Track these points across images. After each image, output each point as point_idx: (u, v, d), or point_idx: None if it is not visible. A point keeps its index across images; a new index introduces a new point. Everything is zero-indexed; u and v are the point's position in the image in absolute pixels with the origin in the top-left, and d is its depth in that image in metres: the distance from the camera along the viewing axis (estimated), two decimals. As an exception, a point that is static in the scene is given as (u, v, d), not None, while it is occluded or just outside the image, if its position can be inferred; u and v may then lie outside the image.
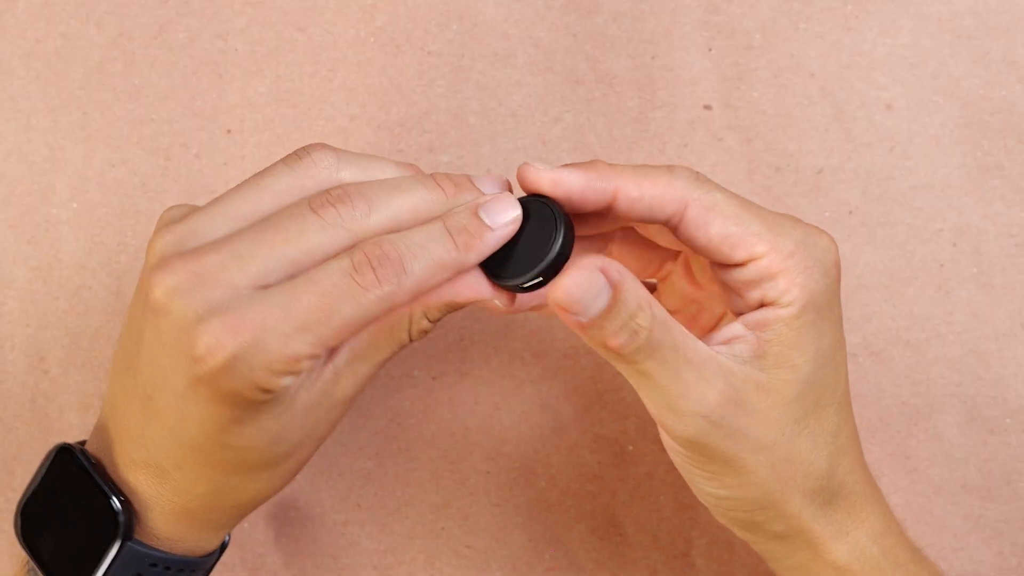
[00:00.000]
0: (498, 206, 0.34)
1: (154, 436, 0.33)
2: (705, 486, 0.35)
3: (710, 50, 0.46)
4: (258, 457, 0.34)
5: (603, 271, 0.32)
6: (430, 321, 0.36)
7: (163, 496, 0.34)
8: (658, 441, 0.46)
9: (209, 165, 0.46)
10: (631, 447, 0.46)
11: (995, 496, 0.46)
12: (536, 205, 0.34)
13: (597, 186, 0.34)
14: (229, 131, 0.46)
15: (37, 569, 0.36)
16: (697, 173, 0.35)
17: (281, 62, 0.46)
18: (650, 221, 0.35)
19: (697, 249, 0.35)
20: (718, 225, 0.34)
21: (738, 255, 0.34)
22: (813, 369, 0.35)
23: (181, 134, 0.46)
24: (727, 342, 0.35)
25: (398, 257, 0.32)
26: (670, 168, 0.35)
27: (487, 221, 0.34)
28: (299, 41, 0.46)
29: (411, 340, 0.36)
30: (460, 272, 0.34)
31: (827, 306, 0.35)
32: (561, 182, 0.34)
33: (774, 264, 0.34)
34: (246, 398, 0.31)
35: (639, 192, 0.34)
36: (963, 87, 0.46)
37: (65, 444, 0.35)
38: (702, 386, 0.33)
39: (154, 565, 0.35)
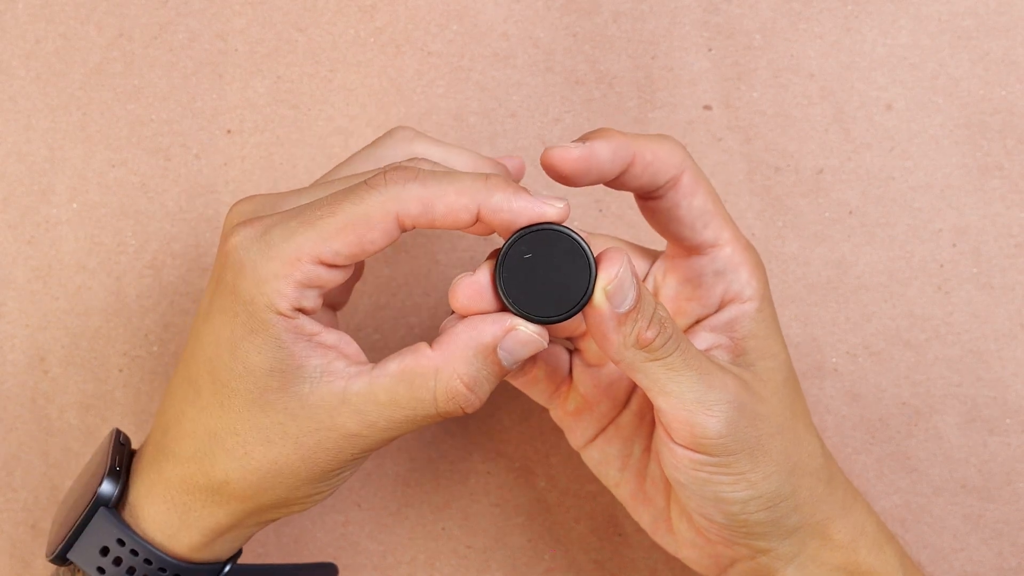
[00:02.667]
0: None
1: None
2: (730, 493, 0.35)
3: (710, 50, 0.46)
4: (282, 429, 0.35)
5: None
6: (464, 385, 0.35)
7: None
8: None
9: (209, 165, 0.46)
10: None
11: (995, 496, 0.47)
12: (544, 233, 0.34)
13: (621, 153, 0.36)
14: (229, 131, 0.46)
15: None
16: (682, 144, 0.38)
17: (281, 62, 0.46)
18: (650, 188, 0.36)
19: (675, 221, 0.37)
20: (701, 198, 0.36)
21: (707, 235, 0.37)
22: (787, 355, 0.38)
23: (181, 134, 0.46)
24: (705, 351, 0.36)
25: (415, 170, 0.33)
26: (665, 136, 0.37)
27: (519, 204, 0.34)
28: (299, 41, 0.46)
29: (438, 407, 0.35)
30: (478, 207, 0.33)
31: (771, 298, 0.38)
32: (594, 154, 0.35)
33: (736, 254, 0.37)
34: (261, 311, 0.33)
35: (652, 156, 0.36)
36: (963, 87, 0.46)
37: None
38: (722, 374, 0.35)
39: (121, 543, 0.36)
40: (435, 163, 0.35)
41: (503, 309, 0.34)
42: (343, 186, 0.34)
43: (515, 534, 0.48)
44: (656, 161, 0.36)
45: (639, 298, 0.33)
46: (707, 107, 0.47)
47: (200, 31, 0.46)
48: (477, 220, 0.33)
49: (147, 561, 0.36)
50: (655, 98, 0.46)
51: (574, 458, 0.48)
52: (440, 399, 0.34)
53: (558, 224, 0.34)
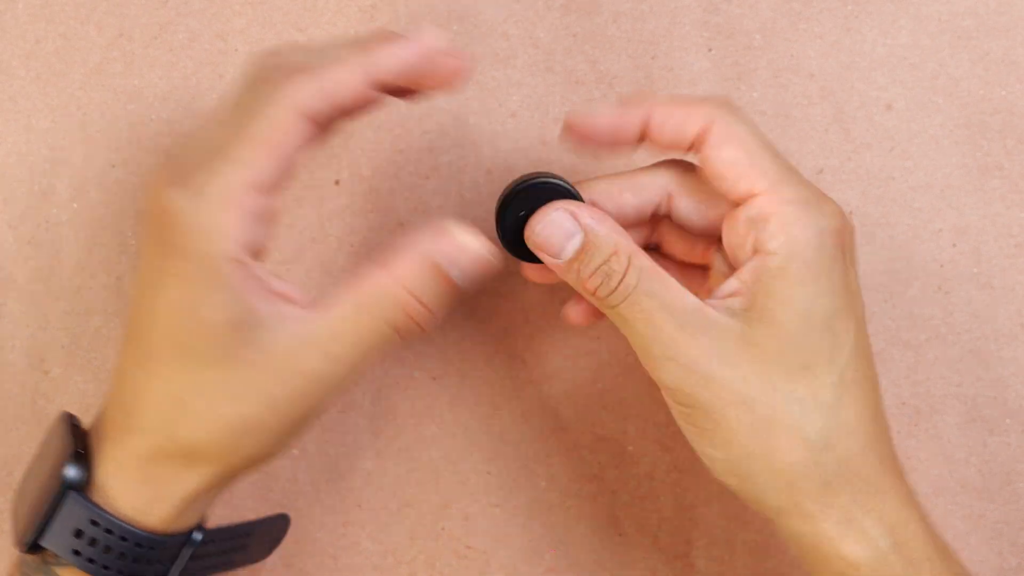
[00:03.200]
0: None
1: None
2: (699, 445, 0.36)
3: (710, 50, 0.46)
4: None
5: (574, 214, 0.36)
6: (420, 304, 0.35)
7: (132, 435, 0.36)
8: (658, 441, 0.46)
9: None
10: (631, 447, 0.47)
11: (995, 497, 0.46)
12: (548, 184, 0.37)
13: (626, 119, 0.37)
14: None
15: (30, 566, 0.37)
16: (732, 103, 0.37)
17: None
18: (680, 145, 0.37)
19: (712, 175, 0.37)
20: (730, 151, 0.36)
21: (740, 187, 0.36)
22: (799, 329, 0.35)
23: (182, 134, 0.46)
24: (725, 297, 0.36)
25: (296, 64, 0.34)
26: (705, 98, 0.38)
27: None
28: (299, 41, 0.46)
29: (399, 329, 0.36)
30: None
31: (822, 268, 0.35)
32: (592, 125, 0.37)
33: (768, 205, 0.35)
34: (215, 262, 0.33)
35: (665, 116, 0.37)
36: (963, 88, 0.46)
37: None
38: (676, 332, 0.35)
39: (95, 523, 0.36)
40: (308, 50, 0.35)
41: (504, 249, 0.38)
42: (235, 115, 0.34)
43: (515, 534, 0.48)
44: (671, 120, 0.37)
45: (583, 249, 0.36)
46: None
47: (200, 31, 0.46)
48: (377, 84, 0.34)
49: (123, 538, 0.36)
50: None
51: (574, 458, 0.48)
52: (399, 321, 0.35)
53: (551, 177, 0.37)
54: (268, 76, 0.34)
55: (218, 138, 0.34)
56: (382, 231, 0.46)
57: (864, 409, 0.36)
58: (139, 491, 0.37)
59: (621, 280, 0.35)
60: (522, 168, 0.46)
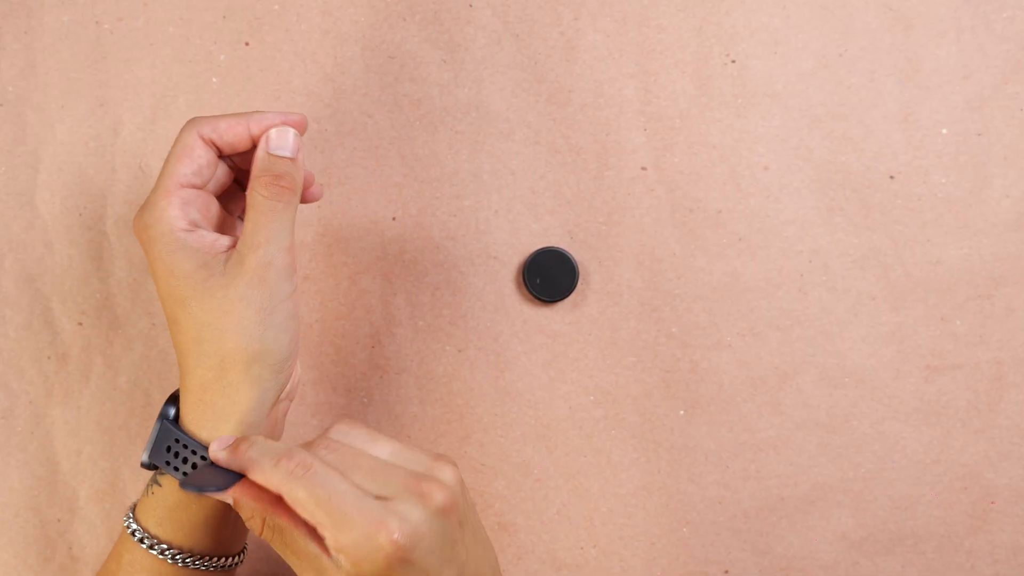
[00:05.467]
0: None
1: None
2: None
3: (645, 130, 0.62)
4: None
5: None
6: (276, 178, 0.47)
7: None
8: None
9: (308, 208, 0.63)
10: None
11: (838, 430, 0.61)
12: (550, 251, 0.54)
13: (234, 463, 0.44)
14: (321, 184, 0.62)
15: (151, 480, 0.49)
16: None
17: (356, 139, 0.63)
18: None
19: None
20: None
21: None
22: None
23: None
24: None
25: (202, 118, 0.49)
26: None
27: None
28: (368, 125, 0.62)
29: (271, 196, 0.47)
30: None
31: None
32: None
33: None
34: (170, 236, 0.46)
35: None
36: (816, 155, 0.62)
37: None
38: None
39: (178, 441, 0.46)
40: (215, 115, 0.48)
41: (530, 295, 0.54)
42: None
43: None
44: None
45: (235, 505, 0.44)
46: (643, 168, 0.62)
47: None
48: (252, 138, 0.48)
49: (194, 452, 0.46)
50: (608, 162, 0.62)
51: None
52: (268, 190, 0.46)
53: (556, 247, 0.52)
54: (191, 122, 0.48)
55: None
56: (424, 251, 0.62)
57: None
58: (203, 417, 0.46)
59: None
60: (519, 210, 0.62)
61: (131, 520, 0.49)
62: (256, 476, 0.42)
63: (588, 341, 0.62)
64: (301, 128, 0.48)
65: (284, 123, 0.48)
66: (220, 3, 0.63)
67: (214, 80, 0.63)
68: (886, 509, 0.61)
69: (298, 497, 0.40)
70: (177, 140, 0.48)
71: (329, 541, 0.40)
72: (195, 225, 0.47)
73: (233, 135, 0.48)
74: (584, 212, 0.62)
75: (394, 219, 0.62)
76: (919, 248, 0.61)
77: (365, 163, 0.63)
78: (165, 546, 0.48)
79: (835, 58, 0.62)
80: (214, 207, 0.49)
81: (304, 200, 0.51)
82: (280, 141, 0.47)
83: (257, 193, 0.47)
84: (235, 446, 0.43)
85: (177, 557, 0.47)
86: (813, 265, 0.62)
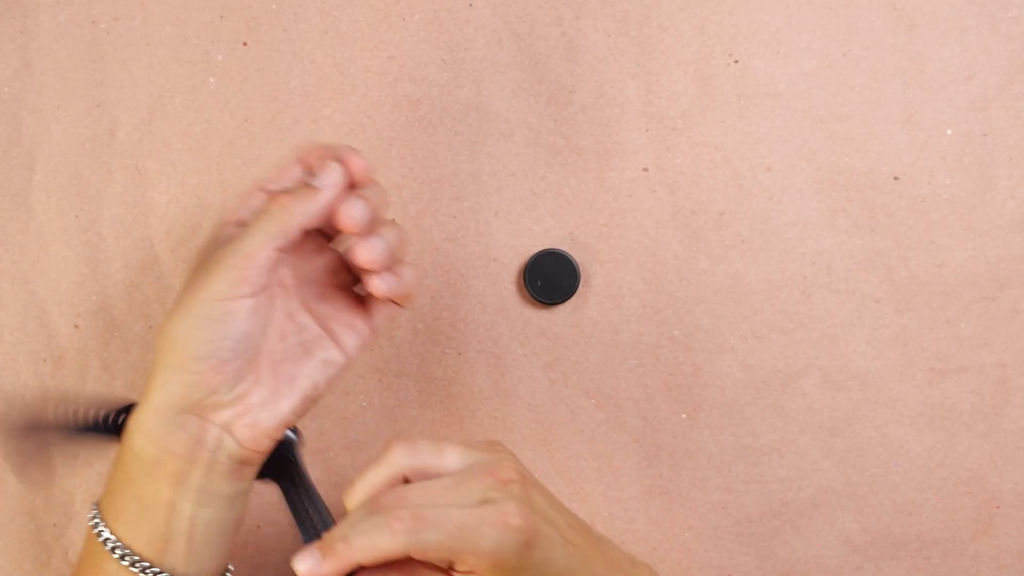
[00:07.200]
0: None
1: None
2: None
3: (647, 130, 0.63)
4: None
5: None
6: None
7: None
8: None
9: None
10: None
11: (841, 434, 0.62)
12: (551, 253, 0.54)
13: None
14: None
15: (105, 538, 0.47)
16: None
17: (354, 139, 0.65)
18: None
19: None
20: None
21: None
22: None
23: (287, 188, 0.64)
24: None
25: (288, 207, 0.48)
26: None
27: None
28: (367, 126, 0.64)
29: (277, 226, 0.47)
30: None
31: None
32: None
33: None
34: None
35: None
36: (819, 156, 0.63)
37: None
38: None
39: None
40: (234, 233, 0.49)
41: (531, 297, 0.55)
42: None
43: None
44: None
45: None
46: (645, 169, 0.63)
47: (299, 118, 0.65)
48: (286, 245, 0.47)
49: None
50: (609, 163, 0.63)
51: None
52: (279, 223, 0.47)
53: (558, 249, 0.53)
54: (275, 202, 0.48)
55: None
56: (423, 253, 0.64)
57: None
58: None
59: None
60: (520, 212, 0.63)
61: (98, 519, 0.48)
62: (371, 555, 0.43)
63: (589, 344, 0.63)
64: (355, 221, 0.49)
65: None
66: (217, 3, 0.64)
67: (211, 80, 0.64)
68: (890, 513, 0.62)
69: (429, 542, 0.42)
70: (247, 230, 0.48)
71: (468, 560, 0.43)
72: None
73: (266, 256, 0.48)
74: (585, 214, 0.63)
75: (393, 221, 0.62)
76: (923, 250, 0.62)
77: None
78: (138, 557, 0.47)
79: (838, 58, 0.63)
80: None
81: (397, 301, 0.51)
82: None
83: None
84: (329, 547, 0.43)
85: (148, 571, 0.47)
86: (816, 267, 0.63)
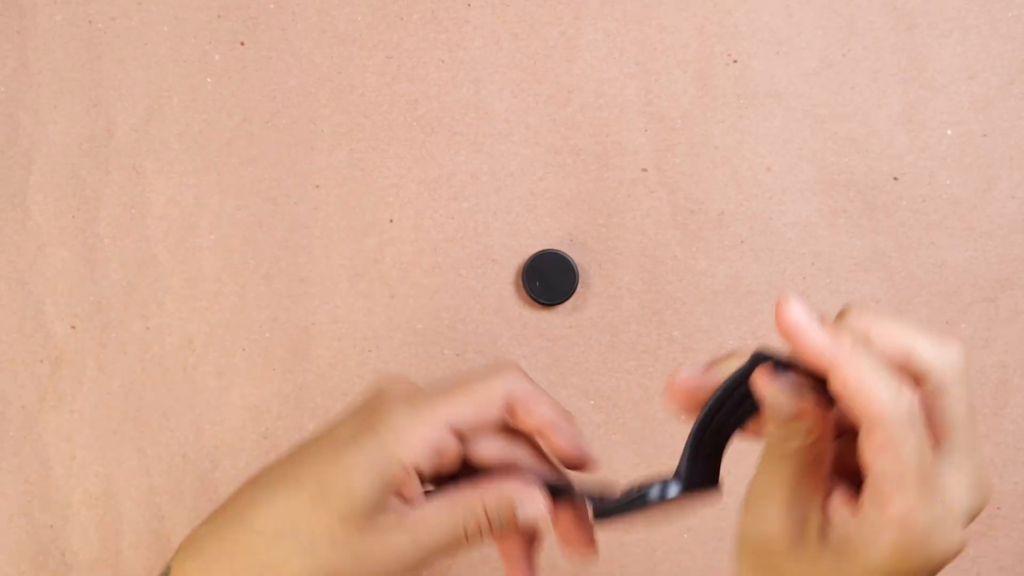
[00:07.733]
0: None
1: None
2: None
3: (646, 131, 0.64)
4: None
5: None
6: (489, 524, 0.40)
7: None
8: None
9: (304, 209, 0.64)
10: None
11: None
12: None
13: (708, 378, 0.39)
14: (318, 186, 0.64)
15: None
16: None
17: (353, 139, 0.64)
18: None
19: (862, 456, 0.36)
20: (885, 463, 0.35)
21: (884, 490, 0.35)
22: None
23: (285, 188, 0.64)
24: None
25: (520, 370, 0.43)
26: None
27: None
28: (365, 126, 0.65)
29: (467, 533, 0.41)
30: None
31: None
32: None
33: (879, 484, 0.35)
34: (388, 454, 0.40)
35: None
36: (819, 156, 0.63)
37: None
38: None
39: None
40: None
41: (529, 298, 0.53)
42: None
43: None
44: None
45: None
46: (644, 169, 0.63)
47: (298, 117, 0.65)
48: (543, 428, 0.42)
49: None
50: (608, 163, 0.63)
51: None
52: (470, 528, 0.41)
53: (556, 249, 0.52)
54: (503, 369, 0.42)
55: (450, 386, 0.42)
56: (422, 254, 0.64)
57: None
58: None
59: None
60: (518, 212, 0.63)
61: None
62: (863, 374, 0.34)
63: (588, 345, 0.63)
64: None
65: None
66: (215, 2, 0.64)
67: (209, 80, 0.64)
68: (890, 515, 0.62)
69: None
70: (476, 380, 0.42)
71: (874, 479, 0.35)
72: (417, 471, 0.42)
73: (538, 414, 0.43)
74: (584, 214, 0.63)
75: (391, 221, 0.64)
76: (923, 250, 0.63)
77: (362, 164, 0.64)
78: None
79: (838, 58, 0.63)
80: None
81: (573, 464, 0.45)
82: (526, 510, 0.42)
83: None
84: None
85: None
86: (816, 268, 0.63)
